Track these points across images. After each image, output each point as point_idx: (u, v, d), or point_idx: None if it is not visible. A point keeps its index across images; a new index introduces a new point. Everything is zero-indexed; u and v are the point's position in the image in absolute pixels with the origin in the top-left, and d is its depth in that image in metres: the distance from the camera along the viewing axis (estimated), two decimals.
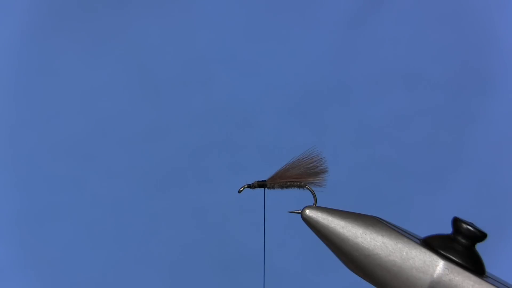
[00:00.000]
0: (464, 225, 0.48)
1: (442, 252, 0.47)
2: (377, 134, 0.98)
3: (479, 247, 0.48)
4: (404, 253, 0.47)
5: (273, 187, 0.50)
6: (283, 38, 0.98)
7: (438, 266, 0.47)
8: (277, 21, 0.97)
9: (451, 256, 0.47)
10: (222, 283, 0.90)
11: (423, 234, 0.92)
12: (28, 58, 0.95)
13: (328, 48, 0.97)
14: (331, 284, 0.94)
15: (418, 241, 0.49)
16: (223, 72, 0.97)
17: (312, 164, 0.50)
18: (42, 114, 0.96)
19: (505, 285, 0.47)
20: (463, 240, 0.48)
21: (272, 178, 0.50)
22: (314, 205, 0.50)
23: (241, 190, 0.52)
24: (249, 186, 0.52)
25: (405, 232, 0.50)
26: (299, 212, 0.49)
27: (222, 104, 0.96)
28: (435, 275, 0.47)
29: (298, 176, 0.49)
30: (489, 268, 0.48)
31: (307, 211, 0.49)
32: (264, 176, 0.51)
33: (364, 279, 0.48)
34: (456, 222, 0.48)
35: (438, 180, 0.99)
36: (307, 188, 0.50)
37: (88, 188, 0.95)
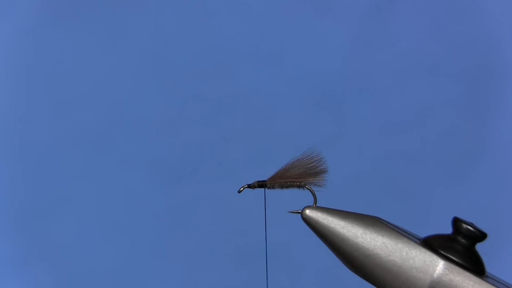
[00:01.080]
0: (464, 225, 0.48)
1: (442, 252, 0.47)
2: (399, 124, 0.99)
3: (479, 247, 0.48)
4: (404, 253, 0.47)
5: (273, 187, 0.50)
6: (304, 28, 0.98)
7: (438, 266, 0.47)
8: (298, 11, 0.98)
9: (451, 256, 0.47)
10: (237, 274, 0.89)
11: (445, 225, 0.92)
12: (40, 47, 0.95)
13: (350, 38, 0.97)
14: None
15: (418, 241, 0.49)
16: (243, 62, 0.97)
17: (312, 164, 0.50)
18: (55, 104, 0.95)
19: (505, 285, 0.47)
20: (463, 240, 0.48)
21: (272, 178, 0.50)
22: (314, 205, 0.50)
23: (241, 190, 0.52)
24: (249, 186, 0.52)
25: (405, 232, 0.50)
26: (299, 212, 0.49)
27: (243, 94, 0.96)
28: (435, 275, 0.47)
29: (298, 176, 0.49)
30: (489, 268, 0.48)
31: (307, 211, 0.49)
32: (264, 176, 0.51)
33: (364, 279, 0.48)
34: (456, 222, 0.48)
35: (460, 171, 0.99)
36: (307, 188, 0.50)
37: (102, 179, 0.95)
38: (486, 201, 0.99)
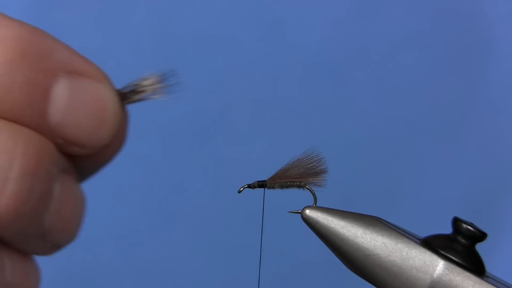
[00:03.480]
0: (464, 225, 0.48)
1: (442, 252, 0.47)
2: (394, 92, 1.00)
3: (479, 247, 0.48)
4: (404, 253, 0.47)
5: (273, 187, 0.50)
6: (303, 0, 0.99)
7: (438, 266, 0.47)
8: None
9: (451, 256, 0.47)
10: (251, 239, 0.89)
11: (438, 187, 0.92)
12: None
13: (346, 7, 0.98)
14: None
15: (418, 241, 0.49)
16: (245, 33, 0.97)
17: (312, 164, 0.50)
18: None
19: (505, 285, 0.47)
20: (463, 240, 0.48)
21: (272, 178, 0.50)
22: (314, 205, 0.50)
23: (241, 190, 0.52)
24: (249, 186, 0.52)
25: (405, 232, 0.50)
26: (299, 212, 0.49)
27: (246, 63, 0.96)
28: (435, 275, 0.47)
29: (298, 176, 0.49)
30: (489, 268, 0.48)
31: (307, 211, 0.49)
32: (265, 176, 0.51)
33: (364, 279, 0.48)
34: (456, 222, 0.48)
35: (448, 136, 1.02)
36: (307, 188, 0.50)
37: None
38: (475, 164, 1.03)
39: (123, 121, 0.44)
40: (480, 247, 0.48)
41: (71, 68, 0.41)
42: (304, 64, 0.99)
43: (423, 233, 0.50)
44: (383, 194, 1.02)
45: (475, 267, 0.47)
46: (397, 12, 1.01)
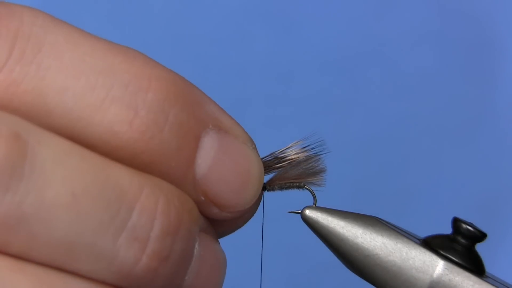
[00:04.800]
0: (464, 225, 0.48)
1: (441, 252, 0.47)
2: (409, 90, 1.00)
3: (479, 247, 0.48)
4: (404, 253, 0.47)
5: (272, 189, 0.50)
6: None
7: (438, 266, 0.47)
8: None
9: (450, 256, 0.47)
10: (251, 239, 0.90)
11: (445, 188, 0.92)
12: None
13: (361, 7, 0.98)
14: None
15: (418, 241, 0.49)
16: (261, 29, 0.97)
17: (310, 165, 0.50)
18: None
19: (505, 285, 0.47)
20: (462, 240, 0.48)
21: (271, 180, 0.50)
22: (314, 205, 0.50)
23: None
24: None
25: (405, 232, 0.50)
26: (299, 212, 0.49)
27: (261, 59, 0.96)
28: (434, 275, 0.47)
29: (297, 177, 0.49)
30: (488, 268, 0.48)
31: (307, 211, 0.49)
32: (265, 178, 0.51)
33: (364, 279, 0.48)
34: (456, 222, 0.48)
35: (458, 136, 1.01)
36: (306, 188, 0.50)
37: None
38: (488, 163, 1.02)
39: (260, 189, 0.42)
40: (480, 247, 0.48)
41: (220, 123, 0.40)
42: (316, 62, 0.99)
43: (432, 233, 0.50)
44: (392, 194, 1.02)
45: (475, 267, 0.47)
46: (412, 10, 1.01)
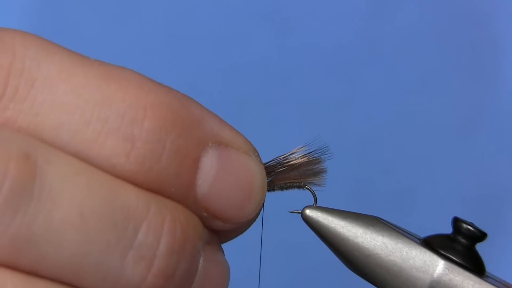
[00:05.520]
0: (464, 225, 0.48)
1: (442, 252, 0.47)
2: (408, 90, 1.00)
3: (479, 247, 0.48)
4: (404, 253, 0.47)
5: (273, 189, 0.50)
6: None
7: (438, 266, 0.47)
8: None
9: (451, 256, 0.47)
10: (251, 239, 0.90)
11: (446, 187, 0.92)
12: (45, 24, 0.93)
13: (359, 7, 0.98)
14: None
15: (418, 241, 0.49)
16: (256, 30, 0.96)
17: (312, 166, 0.50)
18: None
19: (505, 285, 0.47)
20: (463, 240, 0.48)
21: (272, 180, 0.50)
22: (314, 205, 0.50)
23: None
24: None
25: (406, 232, 0.50)
26: (299, 212, 0.49)
27: (257, 61, 0.96)
28: (435, 275, 0.47)
29: (297, 176, 0.49)
30: (489, 268, 0.48)
31: (307, 211, 0.49)
32: None
33: (364, 279, 0.48)
34: (456, 222, 0.48)
35: (465, 134, 1.01)
36: (307, 188, 0.50)
37: None
38: (489, 163, 1.02)
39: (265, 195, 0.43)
40: (480, 247, 0.48)
41: (220, 138, 0.40)
42: (315, 63, 0.98)
43: (432, 233, 0.50)
44: (392, 194, 1.02)
45: (475, 267, 0.47)
46: (411, 10, 1.01)
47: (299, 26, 0.98)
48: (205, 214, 0.40)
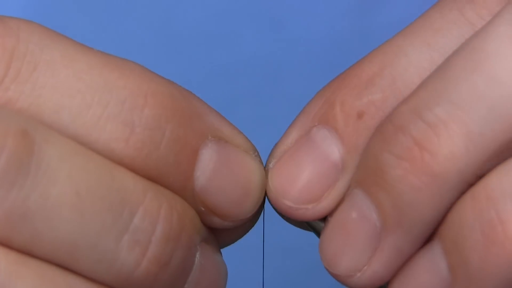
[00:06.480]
0: None
1: None
2: None
3: None
4: None
5: None
6: None
7: None
8: None
9: None
10: (252, 239, 0.90)
11: None
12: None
13: (352, 3, 0.99)
14: None
15: None
16: (247, 27, 0.96)
17: None
18: None
19: None
20: None
21: None
22: None
23: None
24: None
25: None
26: None
27: (248, 58, 0.96)
28: None
29: None
30: None
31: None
32: None
33: None
34: None
35: None
36: None
37: None
38: None
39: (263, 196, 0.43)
40: None
41: (220, 133, 0.40)
42: (307, 60, 0.98)
43: None
44: None
45: None
46: (407, 6, 1.00)
47: (290, 22, 0.98)
48: (203, 209, 0.40)
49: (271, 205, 0.44)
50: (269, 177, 0.44)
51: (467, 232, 0.37)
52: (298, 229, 0.46)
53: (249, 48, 0.97)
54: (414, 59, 0.41)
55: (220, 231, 0.43)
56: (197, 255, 0.39)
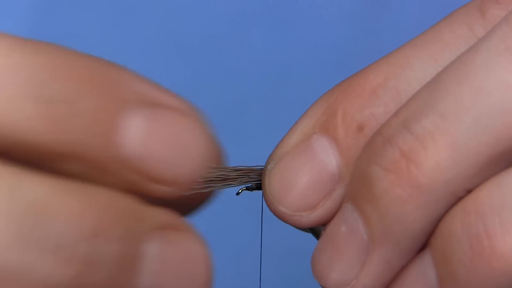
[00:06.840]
0: None
1: None
2: None
3: None
4: None
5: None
6: None
7: None
8: None
9: None
10: (250, 239, 0.90)
11: None
12: (45, 25, 0.93)
13: (359, 4, 0.98)
14: None
15: None
16: (255, 30, 0.96)
17: None
18: None
19: None
20: None
21: None
22: None
23: (239, 193, 0.52)
24: (247, 188, 0.52)
25: None
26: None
27: (257, 61, 0.96)
28: None
29: None
30: None
31: None
32: None
33: None
34: None
35: None
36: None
37: None
38: None
39: (217, 158, 0.39)
40: None
41: (147, 97, 0.38)
42: (316, 63, 0.98)
43: None
44: None
45: None
46: (413, 8, 1.00)
47: (299, 25, 0.98)
48: (137, 176, 0.37)
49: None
50: (267, 180, 0.44)
51: (455, 244, 0.36)
52: (298, 229, 0.46)
53: (258, 51, 0.97)
54: (419, 74, 0.41)
55: (173, 201, 0.39)
56: (149, 245, 0.36)
